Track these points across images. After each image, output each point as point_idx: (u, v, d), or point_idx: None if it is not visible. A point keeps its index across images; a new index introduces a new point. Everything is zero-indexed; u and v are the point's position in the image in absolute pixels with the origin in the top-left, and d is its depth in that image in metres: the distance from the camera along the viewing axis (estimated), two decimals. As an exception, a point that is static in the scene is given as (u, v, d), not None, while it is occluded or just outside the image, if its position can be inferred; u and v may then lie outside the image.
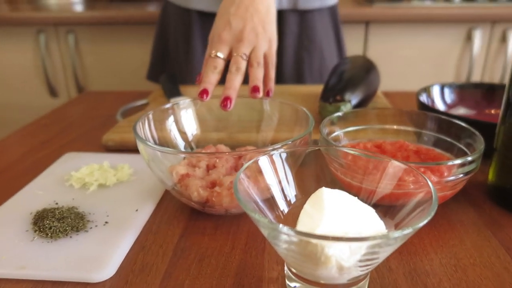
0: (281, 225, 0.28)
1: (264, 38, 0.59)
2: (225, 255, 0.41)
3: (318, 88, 0.88)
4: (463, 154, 0.49)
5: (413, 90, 0.74)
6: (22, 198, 0.50)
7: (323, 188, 0.35)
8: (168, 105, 0.54)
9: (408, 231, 0.28)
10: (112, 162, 0.57)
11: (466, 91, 0.71)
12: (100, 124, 0.78)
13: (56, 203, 0.48)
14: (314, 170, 0.43)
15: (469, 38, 1.42)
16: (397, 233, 0.27)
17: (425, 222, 0.28)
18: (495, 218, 0.46)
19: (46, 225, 0.42)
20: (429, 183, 0.32)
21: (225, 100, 0.52)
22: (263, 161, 0.37)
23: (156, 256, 0.40)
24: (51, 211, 0.44)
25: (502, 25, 1.40)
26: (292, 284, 0.35)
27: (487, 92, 0.70)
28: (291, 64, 1.03)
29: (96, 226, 0.44)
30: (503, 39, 1.42)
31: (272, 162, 0.38)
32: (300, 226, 0.32)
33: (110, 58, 1.56)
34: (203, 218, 0.47)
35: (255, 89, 0.55)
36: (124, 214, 0.46)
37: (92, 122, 0.79)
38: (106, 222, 0.44)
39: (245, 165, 0.35)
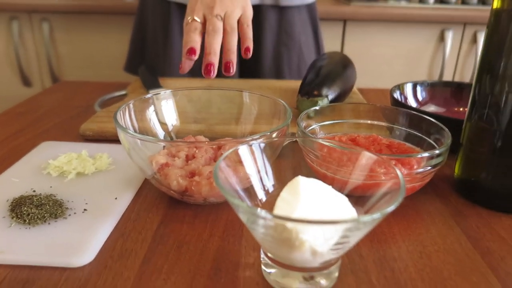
0: (259, 209, 0.29)
1: (236, 5, 0.60)
2: (203, 241, 0.42)
3: (297, 83, 0.89)
4: (432, 148, 0.51)
5: (387, 87, 0.77)
6: (-2, 185, 0.50)
7: (299, 176, 0.36)
8: (148, 95, 0.54)
9: (376, 216, 0.29)
10: (90, 152, 0.57)
11: (437, 89, 0.74)
12: (77, 114, 0.77)
13: (34, 191, 0.48)
14: (292, 162, 0.44)
15: (442, 38, 1.47)
16: (366, 218, 0.29)
17: (393, 207, 0.30)
18: (460, 209, 0.49)
19: (24, 212, 0.42)
20: (398, 171, 0.34)
21: (208, 67, 0.51)
22: (243, 151, 0.38)
23: (135, 242, 0.41)
24: (29, 198, 0.44)
25: (473, 27, 1.45)
26: (268, 270, 0.37)
27: (455, 91, 0.73)
28: (270, 60, 1.04)
29: (75, 213, 0.44)
30: (474, 40, 1.47)
31: (252, 152, 0.39)
32: (277, 211, 0.33)
33: (86, 48, 1.54)
34: (182, 207, 0.48)
35: (227, 60, 0.55)
36: (103, 202, 0.46)
37: (68, 112, 0.78)
38: (85, 210, 0.45)
39: (225, 154, 0.36)
